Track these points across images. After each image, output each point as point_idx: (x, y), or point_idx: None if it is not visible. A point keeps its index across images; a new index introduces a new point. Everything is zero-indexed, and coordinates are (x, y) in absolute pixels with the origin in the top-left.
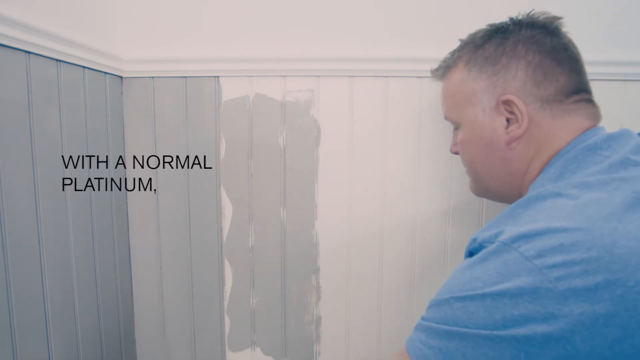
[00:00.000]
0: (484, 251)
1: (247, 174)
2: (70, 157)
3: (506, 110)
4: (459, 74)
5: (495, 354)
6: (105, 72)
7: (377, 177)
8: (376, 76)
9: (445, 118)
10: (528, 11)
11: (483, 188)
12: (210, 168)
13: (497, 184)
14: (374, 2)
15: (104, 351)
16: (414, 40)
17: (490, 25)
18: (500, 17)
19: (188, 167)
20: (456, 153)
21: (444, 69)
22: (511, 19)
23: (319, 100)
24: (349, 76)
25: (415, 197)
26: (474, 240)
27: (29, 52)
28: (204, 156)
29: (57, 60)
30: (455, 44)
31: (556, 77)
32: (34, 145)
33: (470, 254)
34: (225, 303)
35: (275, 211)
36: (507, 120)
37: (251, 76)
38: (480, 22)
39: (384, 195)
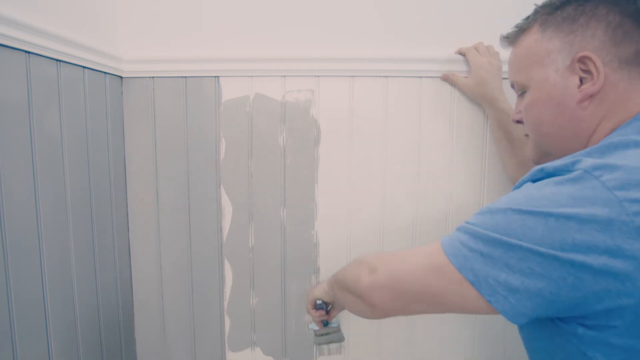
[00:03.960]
0: (558, 177)
1: (247, 174)
2: (70, 157)
3: (581, 69)
4: (533, 35)
5: (543, 271)
6: (105, 72)
7: (377, 177)
8: (376, 76)
9: (512, 85)
10: None
11: (544, 153)
12: (210, 168)
13: (561, 146)
14: (374, 2)
15: (104, 351)
16: (414, 40)
17: None
18: (501, 17)
19: (188, 167)
20: (519, 121)
21: (516, 33)
22: None
23: (319, 100)
24: (349, 76)
25: (416, 197)
26: (541, 170)
27: (29, 52)
28: (204, 156)
29: (57, 60)
30: (456, 44)
31: (637, 39)
32: (34, 145)
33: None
34: (225, 303)
35: (275, 211)
36: (581, 80)
37: (251, 76)
38: (480, 22)
39: (384, 195)
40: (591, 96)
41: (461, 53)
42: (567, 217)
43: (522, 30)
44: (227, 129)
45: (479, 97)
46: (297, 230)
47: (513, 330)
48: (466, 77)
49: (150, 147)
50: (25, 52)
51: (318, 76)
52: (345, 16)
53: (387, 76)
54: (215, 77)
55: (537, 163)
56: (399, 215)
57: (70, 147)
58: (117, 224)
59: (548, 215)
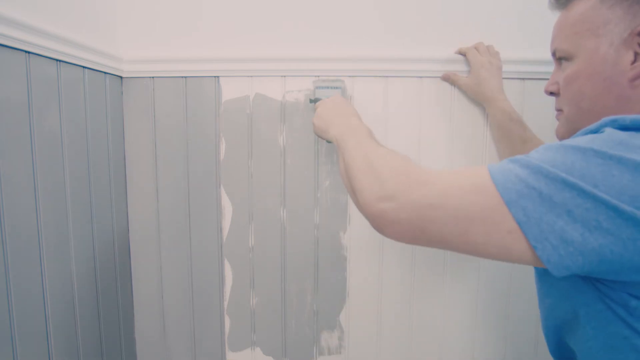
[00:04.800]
0: (625, 132)
1: (247, 174)
2: (70, 156)
3: (639, 44)
4: (590, 1)
5: (612, 227)
6: (105, 72)
7: None
8: (376, 76)
9: (553, 53)
10: None
11: (576, 130)
12: (211, 168)
13: None
14: (374, 2)
15: (104, 351)
16: (414, 40)
17: None
18: (501, 17)
19: (188, 167)
20: (552, 94)
21: None
22: None
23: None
24: (349, 76)
25: None
26: (614, 120)
27: (29, 52)
28: (204, 156)
29: (57, 60)
30: (456, 44)
31: None
32: (34, 145)
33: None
34: (225, 303)
35: (275, 211)
36: (635, 56)
37: (251, 76)
38: (480, 22)
39: None
40: None
41: (461, 53)
42: None
43: None
44: (227, 129)
45: (480, 97)
46: (297, 230)
47: (514, 333)
48: (467, 77)
49: (150, 147)
50: (25, 52)
51: (318, 76)
52: (345, 16)
53: (387, 76)
54: (215, 77)
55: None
56: None
57: (70, 147)
58: (117, 224)
59: (635, 163)
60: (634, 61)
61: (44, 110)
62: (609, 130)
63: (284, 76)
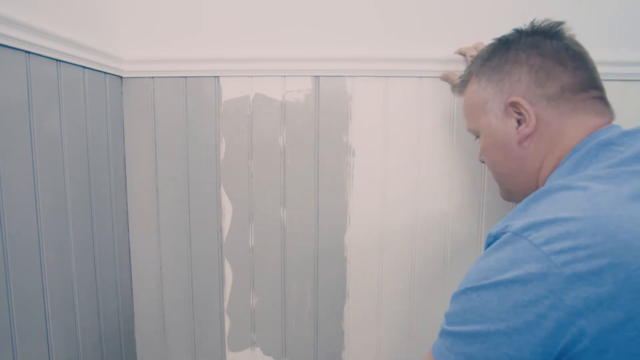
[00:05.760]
0: (497, 242)
1: (247, 174)
2: (70, 157)
3: (515, 112)
4: (471, 86)
5: (516, 352)
6: (105, 72)
7: (377, 177)
8: (376, 76)
9: (468, 130)
10: (531, 20)
11: (506, 190)
12: (211, 168)
13: (516, 184)
14: (374, 2)
15: (104, 351)
16: (414, 40)
17: (496, 39)
18: (501, 17)
19: (188, 167)
20: (483, 162)
21: (460, 85)
22: (515, 29)
23: (319, 100)
24: (350, 76)
25: (415, 198)
26: (489, 235)
27: (29, 52)
28: (204, 156)
29: (57, 60)
30: (456, 44)
31: (559, 76)
32: (34, 145)
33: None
34: (225, 303)
35: (275, 211)
36: (518, 121)
37: (251, 76)
38: (480, 22)
39: (384, 195)
40: (528, 136)
41: (461, 53)
42: (512, 281)
43: (463, 82)
44: (227, 129)
45: None
46: (297, 230)
47: None
48: None
49: (150, 147)
50: (25, 52)
51: (318, 76)
52: (345, 16)
53: (387, 76)
54: (215, 77)
55: (507, 200)
56: (399, 215)
57: (70, 147)
58: (117, 223)
59: (497, 284)
60: (518, 126)
61: (44, 110)
62: (478, 260)
63: (284, 76)
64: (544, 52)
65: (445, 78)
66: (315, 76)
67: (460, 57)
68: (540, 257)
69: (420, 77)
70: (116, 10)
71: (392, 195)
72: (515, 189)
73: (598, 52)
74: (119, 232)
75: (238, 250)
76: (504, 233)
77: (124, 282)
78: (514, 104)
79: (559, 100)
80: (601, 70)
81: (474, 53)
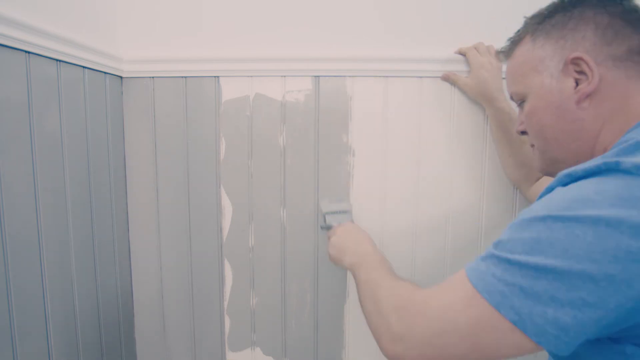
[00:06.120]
0: (591, 178)
1: (247, 174)
2: (70, 156)
3: (575, 70)
4: (525, 46)
5: (597, 300)
6: (105, 72)
7: (377, 177)
8: (376, 76)
9: (511, 97)
10: None
11: (551, 160)
12: (211, 168)
13: (567, 151)
14: (374, 2)
15: (104, 351)
16: (414, 40)
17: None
18: (501, 17)
19: (188, 167)
20: (523, 133)
21: (510, 46)
22: None
23: (319, 100)
24: (350, 76)
25: (415, 198)
26: (569, 175)
27: (29, 52)
28: (204, 156)
29: (57, 60)
30: (456, 44)
31: (628, 37)
32: (34, 145)
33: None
34: (225, 303)
35: (275, 211)
36: (576, 82)
37: (251, 76)
38: (480, 22)
39: (384, 195)
40: (588, 96)
41: (461, 53)
42: (620, 222)
43: (514, 42)
44: (227, 129)
45: (480, 97)
46: (297, 230)
47: None
48: (467, 77)
49: (150, 147)
50: (25, 52)
51: (318, 76)
52: (345, 16)
53: (387, 76)
54: (215, 77)
55: (546, 173)
56: (399, 215)
57: (70, 147)
58: (117, 224)
59: (597, 220)
60: (576, 86)
61: (44, 110)
62: (559, 190)
63: (284, 76)
64: (613, 11)
65: (446, 78)
66: (315, 76)
67: (460, 57)
68: None
69: (420, 77)
70: (116, 10)
71: (392, 195)
72: (564, 157)
73: None
74: (119, 232)
75: (238, 250)
76: (600, 171)
77: (124, 282)
78: (576, 61)
79: (626, 62)
80: None
81: (474, 53)
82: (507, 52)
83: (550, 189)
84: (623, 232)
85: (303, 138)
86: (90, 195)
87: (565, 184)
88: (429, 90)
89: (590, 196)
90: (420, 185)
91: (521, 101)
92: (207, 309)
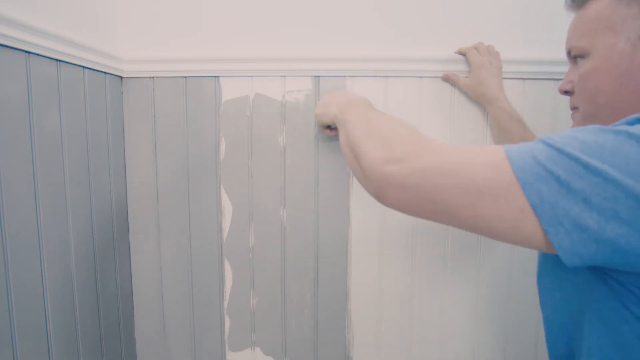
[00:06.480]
0: None
1: (247, 174)
2: (70, 156)
3: None
4: (607, 0)
5: (631, 217)
6: (105, 72)
7: None
8: (376, 76)
9: (568, 52)
10: None
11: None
12: (210, 168)
13: (617, 119)
14: (374, 2)
15: (104, 351)
16: (415, 40)
17: None
18: (501, 17)
19: (188, 167)
20: (567, 92)
21: None
22: None
23: (319, 100)
24: (349, 76)
25: None
26: (638, 118)
27: (29, 52)
28: (204, 156)
29: (57, 60)
30: (456, 44)
31: None
32: (34, 145)
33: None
34: (225, 303)
35: (275, 211)
36: None
37: (251, 76)
38: (480, 22)
39: None
40: None
41: (461, 53)
42: None
43: None
44: (227, 129)
45: (480, 97)
46: (297, 230)
47: (515, 331)
48: (467, 77)
49: (150, 147)
50: (25, 52)
51: (318, 76)
52: (345, 16)
53: (387, 76)
54: (215, 77)
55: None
56: (399, 215)
57: (70, 147)
58: (117, 224)
59: None
60: None
61: (44, 110)
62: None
63: (284, 76)
64: None
65: (446, 78)
66: (315, 76)
67: (460, 57)
68: None
69: (420, 77)
70: (116, 10)
71: None
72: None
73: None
74: (119, 232)
75: (238, 250)
76: None
77: (124, 282)
78: None
79: None
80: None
81: (474, 53)
82: (580, 1)
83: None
84: None
85: (303, 138)
86: (90, 195)
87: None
88: (429, 90)
89: None
90: None
91: (578, 57)
92: (207, 309)
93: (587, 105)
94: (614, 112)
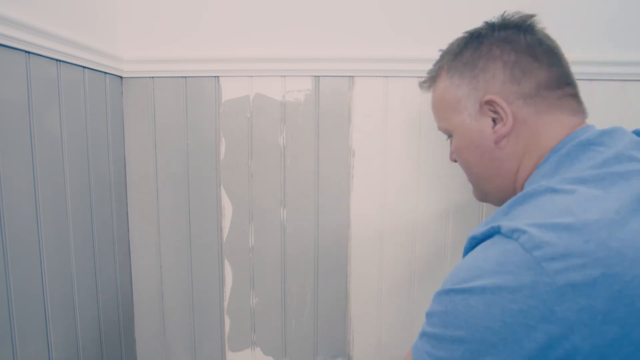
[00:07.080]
0: (484, 242)
1: (247, 174)
2: (70, 156)
3: (490, 110)
4: (443, 82)
5: None
6: (105, 72)
7: (377, 177)
8: (377, 76)
9: (439, 129)
10: (502, 13)
11: (482, 192)
12: (210, 168)
13: (492, 186)
14: (375, 2)
15: (104, 351)
16: (416, 40)
17: (466, 32)
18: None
19: (188, 167)
20: (455, 161)
21: (430, 81)
22: (485, 22)
23: (319, 100)
24: (350, 76)
25: (416, 198)
26: (473, 237)
27: (29, 52)
28: (204, 156)
29: (57, 60)
30: None
31: (535, 73)
32: (34, 145)
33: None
34: (225, 303)
35: (275, 211)
36: (494, 120)
37: (251, 76)
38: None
39: (384, 196)
40: (505, 136)
41: None
42: (500, 288)
43: (433, 77)
44: (227, 129)
45: None
46: (297, 230)
47: None
48: None
49: (150, 147)
50: (25, 52)
51: (318, 76)
52: (346, 16)
53: (387, 76)
54: (215, 77)
55: (482, 201)
56: (399, 215)
57: (70, 147)
58: (117, 224)
59: (483, 290)
60: (494, 125)
61: (44, 110)
62: (463, 260)
63: (284, 76)
64: (517, 47)
65: None
66: (315, 76)
67: None
68: (531, 263)
69: (421, 77)
70: (116, 10)
71: (392, 196)
72: (491, 191)
73: (599, 52)
74: (119, 232)
75: (238, 250)
76: (490, 234)
77: (124, 282)
78: (489, 103)
79: (535, 98)
80: (600, 70)
81: None
82: (427, 86)
83: (465, 251)
84: (504, 297)
85: (303, 138)
86: (90, 195)
87: (472, 247)
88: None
89: (480, 264)
90: (420, 185)
91: (448, 136)
92: (207, 309)
93: (467, 175)
94: (488, 180)
